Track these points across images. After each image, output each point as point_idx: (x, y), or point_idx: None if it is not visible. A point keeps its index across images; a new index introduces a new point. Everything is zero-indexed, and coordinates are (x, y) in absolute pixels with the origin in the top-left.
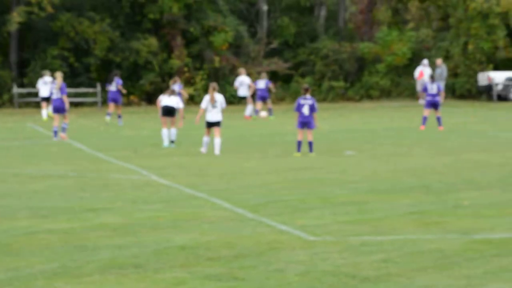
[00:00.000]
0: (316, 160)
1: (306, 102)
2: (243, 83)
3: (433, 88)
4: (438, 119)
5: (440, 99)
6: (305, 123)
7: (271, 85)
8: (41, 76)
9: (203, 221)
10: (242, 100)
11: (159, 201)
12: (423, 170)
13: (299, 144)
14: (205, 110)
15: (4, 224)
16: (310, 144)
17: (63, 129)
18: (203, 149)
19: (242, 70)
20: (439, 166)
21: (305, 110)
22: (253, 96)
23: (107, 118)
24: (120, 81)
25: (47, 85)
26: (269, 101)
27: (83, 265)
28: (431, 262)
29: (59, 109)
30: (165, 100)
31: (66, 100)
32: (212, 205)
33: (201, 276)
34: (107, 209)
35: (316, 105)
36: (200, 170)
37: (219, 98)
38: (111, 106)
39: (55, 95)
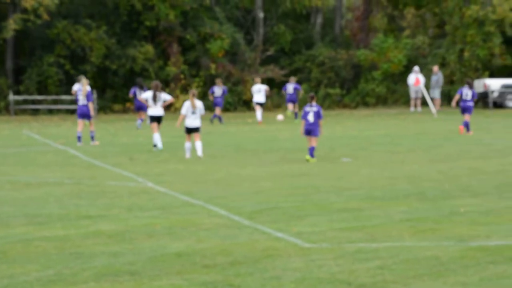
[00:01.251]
0: (312, 167)
1: (311, 109)
2: (260, 90)
3: (468, 95)
4: (467, 124)
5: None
6: (310, 130)
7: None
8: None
9: (199, 228)
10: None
11: (155, 208)
12: (419, 177)
13: (312, 150)
14: (185, 117)
15: None
16: (312, 148)
17: (92, 137)
18: (187, 155)
19: (257, 79)
20: (435, 173)
21: (310, 118)
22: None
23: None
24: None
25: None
26: (296, 105)
27: (79, 272)
28: (427, 269)
29: (84, 115)
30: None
31: (92, 107)
32: (208, 212)
33: (197, 283)
34: (103, 216)
35: (322, 112)
36: (196, 177)
37: (199, 104)
38: (141, 113)
39: (81, 102)
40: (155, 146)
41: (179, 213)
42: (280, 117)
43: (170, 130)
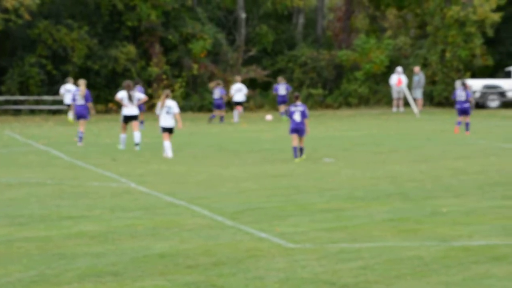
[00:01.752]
0: (294, 167)
1: (297, 109)
2: (241, 89)
3: (462, 96)
4: (467, 124)
5: (469, 105)
6: (297, 130)
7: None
8: (64, 83)
9: (182, 229)
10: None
11: (138, 208)
12: (401, 178)
13: (295, 150)
14: (159, 116)
15: None
16: (301, 149)
17: (80, 138)
18: (168, 154)
19: (238, 78)
20: (417, 173)
21: (297, 117)
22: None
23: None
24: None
25: (70, 92)
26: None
27: (62, 273)
28: (410, 269)
29: (82, 115)
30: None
31: (91, 107)
32: (191, 213)
33: (180, 284)
34: (85, 217)
35: (307, 111)
36: (179, 177)
37: (172, 104)
38: (82, 124)
39: (79, 102)
40: (137, 145)
41: (162, 213)
42: (268, 117)
43: (152, 131)
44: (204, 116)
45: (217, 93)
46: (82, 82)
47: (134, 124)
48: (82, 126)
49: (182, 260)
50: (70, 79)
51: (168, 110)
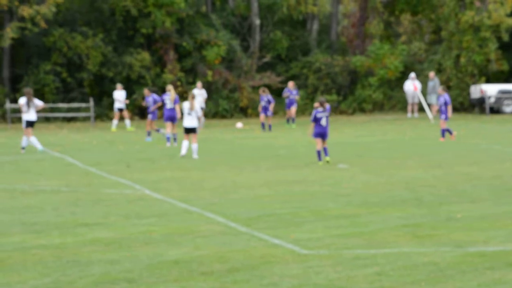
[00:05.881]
0: (308, 173)
1: (324, 114)
2: (203, 95)
3: (441, 101)
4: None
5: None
6: (322, 134)
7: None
8: (115, 88)
9: (196, 235)
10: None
11: (152, 215)
12: (416, 183)
13: (319, 153)
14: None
15: None
16: (325, 149)
17: (174, 139)
18: (182, 151)
19: (199, 83)
20: (431, 179)
21: (323, 122)
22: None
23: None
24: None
25: (120, 101)
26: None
27: (76, 280)
28: (425, 275)
29: (172, 118)
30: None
31: (178, 110)
32: (205, 219)
33: None
34: (100, 224)
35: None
36: (193, 184)
37: (197, 106)
38: (169, 126)
39: (169, 106)
40: (23, 148)
41: (176, 220)
42: (239, 124)
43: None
44: (218, 123)
45: (264, 99)
46: (171, 87)
47: (30, 130)
48: (169, 128)
49: (196, 266)
50: (119, 86)
51: (191, 112)
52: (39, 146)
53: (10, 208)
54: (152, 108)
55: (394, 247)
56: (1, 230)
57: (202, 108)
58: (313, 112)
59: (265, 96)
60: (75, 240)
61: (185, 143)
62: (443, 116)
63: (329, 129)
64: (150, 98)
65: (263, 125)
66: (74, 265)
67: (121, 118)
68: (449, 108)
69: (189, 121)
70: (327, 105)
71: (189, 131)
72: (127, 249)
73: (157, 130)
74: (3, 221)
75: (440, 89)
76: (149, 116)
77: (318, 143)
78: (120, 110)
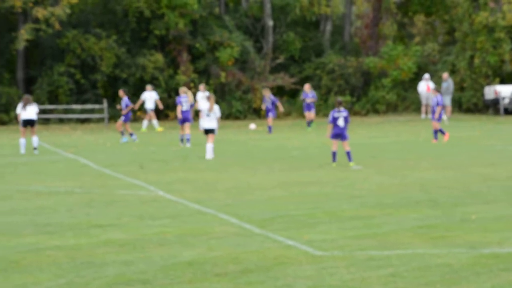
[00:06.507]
0: (322, 175)
1: (341, 114)
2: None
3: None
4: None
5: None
6: (340, 135)
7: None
8: (144, 89)
9: (210, 237)
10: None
11: (166, 216)
12: (430, 184)
13: (334, 154)
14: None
15: (11, 241)
16: (348, 154)
17: (188, 140)
18: (208, 156)
19: (201, 86)
20: (445, 180)
21: (340, 122)
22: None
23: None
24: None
25: (153, 98)
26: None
27: (90, 281)
28: (439, 276)
29: (188, 119)
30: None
31: (192, 112)
32: (219, 221)
33: None
34: (114, 225)
35: (349, 117)
36: (207, 185)
37: (215, 107)
38: (185, 127)
39: (185, 107)
40: (35, 149)
41: (190, 221)
42: (252, 126)
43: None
44: (231, 124)
45: (268, 100)
46: (186, 89)
47: (24, 130)
48: (188, 129)
49: (210, 268)
50: (149, 87)
51: (209, 113)
52: (22, 150)
53: (24, 209)
54: (124, 111)
55: (408, 249)
56: (15, 231)
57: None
58: (330, 113)
59: (269, 97)
60: (89, 241)
61: (209, 146)
62: (435, 117)
63: (347, 131)
64: (123, 100)
65: (269, 128)
66: (88, 266)
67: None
68: (438, 109)
69: (208, 122)
70: (343, 109)
71: (208, 132)
72: (141, 250)
73: (131, 135)
74: (17, 222)
75: (432, 90)
76: (122, 118)
77: (334, 144)
78: (150, 110)
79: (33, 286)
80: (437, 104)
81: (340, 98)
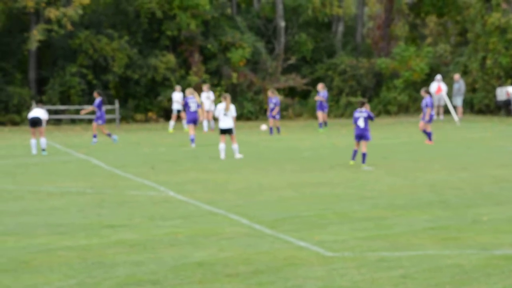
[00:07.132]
0: (333, 176)
1: (362, 115)
2: (209, 97)
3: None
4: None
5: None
6: (362, 136)
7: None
8: (173, 90)
9: (221, 237)
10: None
11: (177, 217)
12: (441, 185)
13: (355, 153)
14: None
15: (22, 241)
16: (363, 155)
17: (193, 140)
18: (221, 156)
19: (205, 86)
20: (457, 181)
21: (361, 123)
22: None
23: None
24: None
25: (178, 102)
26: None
27: (101, 281)
28: (450, 278)
29: (195, 121)
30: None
31: (200, 113)
32: (230, 221)
33: None
34: (125, 225)
35: (372, 115)
36: (218, 186)
37: (231, 107)
38: (191, 128)
39: (193, 108)
40: (43, 150)
41: (201, 222)
42: (263, 127)
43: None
44: (243, 125)
45: (273, 101)
46: (193, 91)
47: (41, 130)
48: (192, 130)
49: (221, 268)
50: (178, 87)
51: (226, 113)
52: (34, 150)
53: (35, 210)
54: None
55: (419, 250)
56: (26, 231)
57: (211, 111)
58: (354, 114)
59: (273, 98)
60: (100, 242)
61: (222, 146)
62: (425, 119)
63: (369, 131)
64: (96, 101)
65: (271, 129)
66: (99, 267)
67: (178, 119)
68: (428, 110)
69: (225, 122)
70: (365, 110)
71: (225, 132)
72: (151, 250)
73: (108, 135)
74: (29, 223)
75: (422, 91)
76: (99, 121)
77: (356, 144)
78: (178, 111)
79: (43, 286)
80: (426, 106)
81: (364, 99)
